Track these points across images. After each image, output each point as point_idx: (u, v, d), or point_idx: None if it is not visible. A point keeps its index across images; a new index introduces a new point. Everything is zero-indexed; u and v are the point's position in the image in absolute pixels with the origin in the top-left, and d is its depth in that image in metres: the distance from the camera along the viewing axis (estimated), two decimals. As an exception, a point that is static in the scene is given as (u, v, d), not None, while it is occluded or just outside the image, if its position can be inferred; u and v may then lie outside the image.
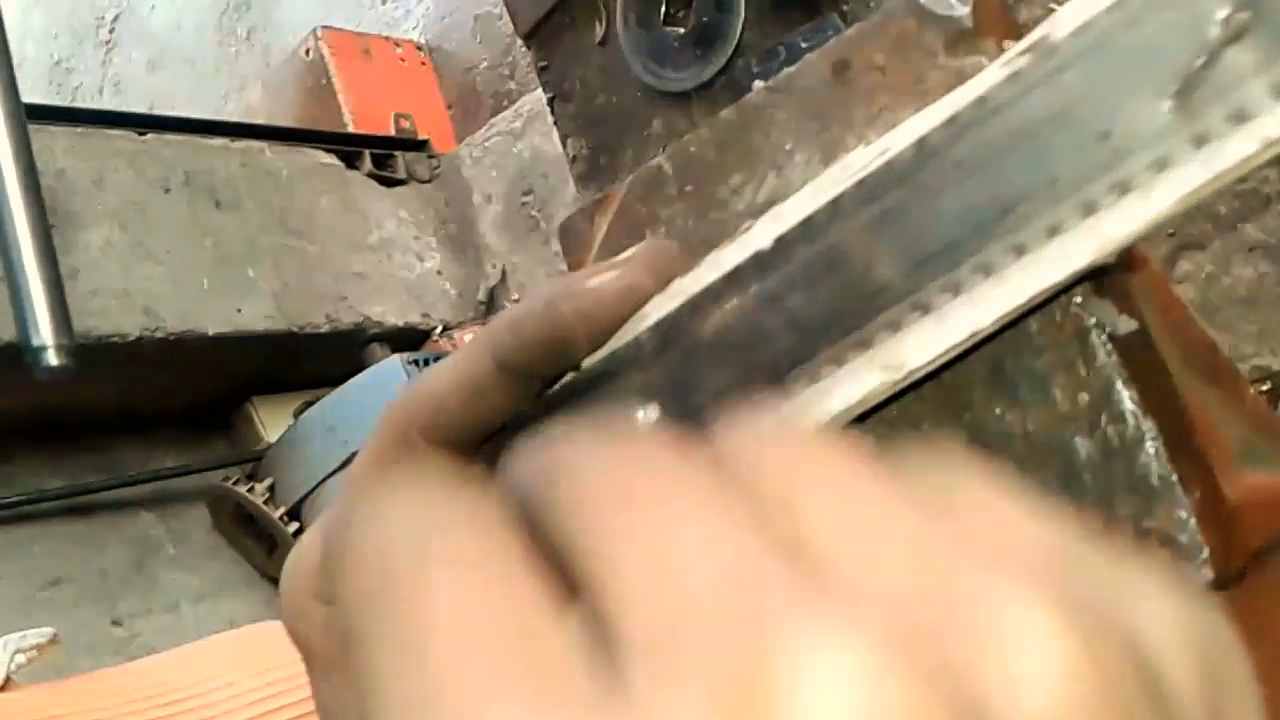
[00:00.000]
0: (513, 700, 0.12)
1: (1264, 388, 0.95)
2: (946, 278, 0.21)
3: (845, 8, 0.58)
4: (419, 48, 2.33)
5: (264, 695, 0.89)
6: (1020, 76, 0.20)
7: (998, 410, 0.24)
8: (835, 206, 0.22)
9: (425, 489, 0.15)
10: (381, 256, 1.92)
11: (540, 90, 0.65)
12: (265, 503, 1.65)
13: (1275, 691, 0.16)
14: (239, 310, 1.66)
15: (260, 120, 2.21)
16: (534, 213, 1.93)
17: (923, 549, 0.14)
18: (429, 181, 2.09)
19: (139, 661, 1.02)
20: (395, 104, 2.19)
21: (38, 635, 0.86)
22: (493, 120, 2.02)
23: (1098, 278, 0.23)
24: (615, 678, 0.13)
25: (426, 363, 1.66)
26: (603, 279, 0.24)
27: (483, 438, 0.26)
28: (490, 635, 0.13)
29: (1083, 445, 0.23)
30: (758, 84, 0.52)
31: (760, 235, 0.23)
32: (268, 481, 1.68)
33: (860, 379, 0.22)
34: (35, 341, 0.84)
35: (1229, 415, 0.26)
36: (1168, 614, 0.14)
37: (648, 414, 0.24)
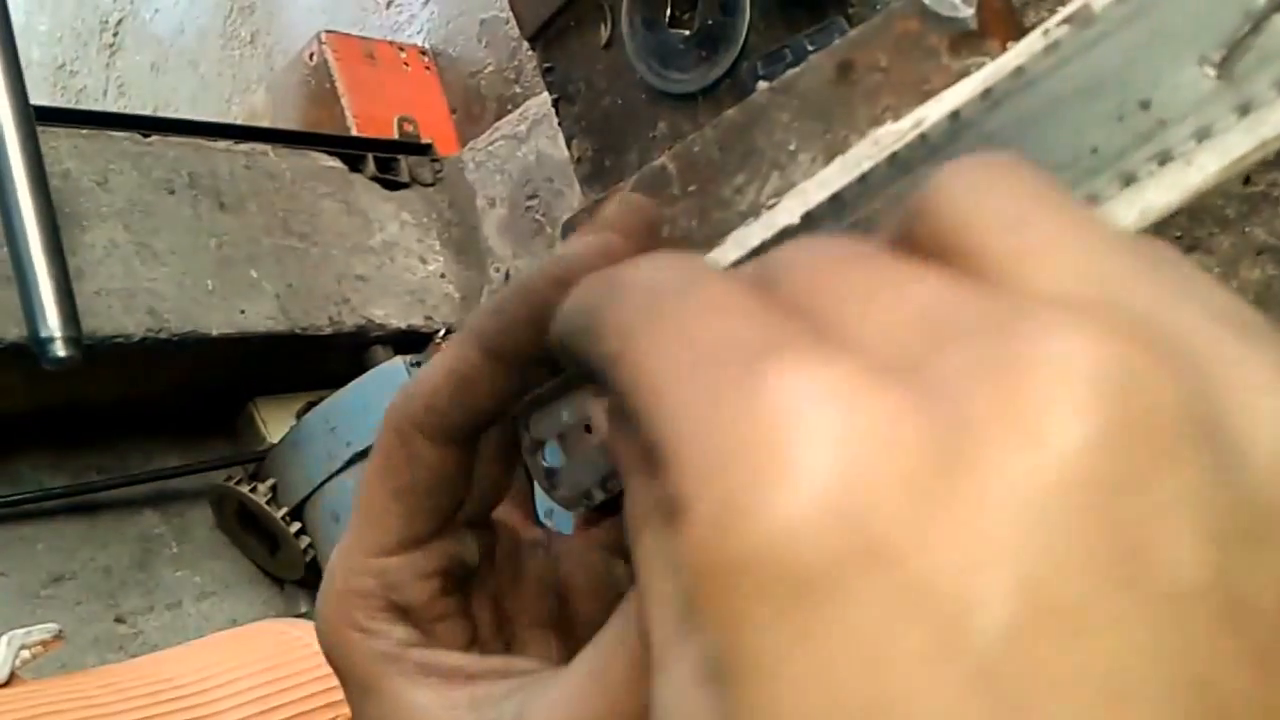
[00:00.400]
0: (798, 347, 0.14)
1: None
2: None
3: (851, 11, 0.58)
4: (423, 52, 2.33)
5: (265, 692, 0.89)
6: (1059, 46, 0.20)
7: None
8: (865, 181, 0.22)
9: (670, 259, 0.17)
10: (384, 259, 1.92)
11: (544, 95, 0.65)
12: (267, 503, 1.65)
13: None
14: (242, 311, 1.67)
15: (264, 123, 2.21)
16: (538, 217, 1.94)
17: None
18: (432, 185, 2.10)
19: (142, 658, 1.02)
20: (399, 108, 2.19)
21: (42, 631, 0.87)
22: (497, 124, 2.02)
23: None
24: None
25: (429, 365, 1.66)
26: (572, 245, 0.24)
27: (482, 428, 0.26)
28: (757, 313, 0.15)
29: None
30: (762, 84, 0.52)
31: (787, 211, 0.23)
32: (270, 481, 1.68)
33: None
34: (43, 333, 0.85)
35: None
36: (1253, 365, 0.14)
37: None
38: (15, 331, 1.40)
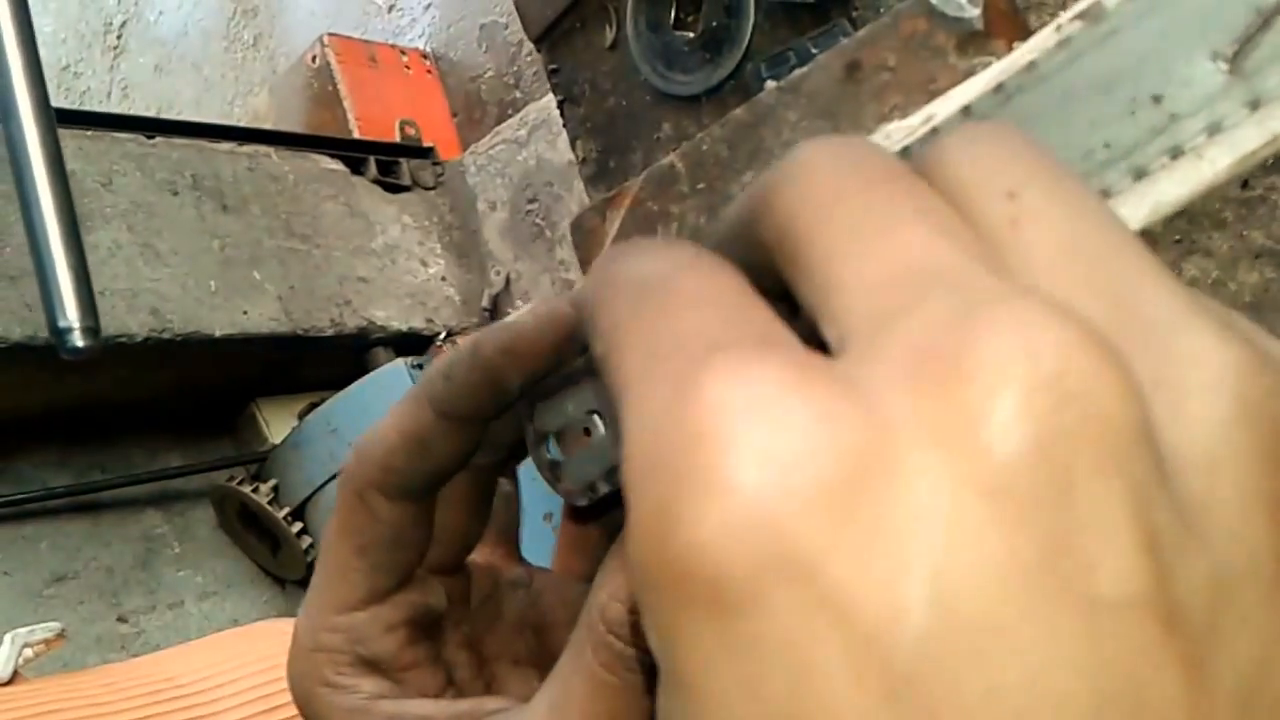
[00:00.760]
0: (743, 346, 0.14)
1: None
2: None
3: (855, 14, 0.59)
4: (424, 56, 2.34)
5: (267, 692, 0.89)
6: (1071, 42, 0.20)
7: None
8: None
9: (656, 245, 0.17)
10: (386, 261, 1.93)
11: (545, 99, 0.66)
12: (269, 503, 1.65)
13: None
14: (245, 312, 1.67)
15: (267, 126, 2.22)
16: (538, 220, 1.94)
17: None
18: (433, 188, 2.10)
19: (143, 657, 1.02)
20: (400, 111, 2.20)
21: (45, 630, 0.87)
22: (498, 128, 2.03)
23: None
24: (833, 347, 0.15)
25: (431, 367, 1.66)
26: (521, 313, 0.24)
27: (440, 483, 0.26)
28: (726, 306, 0.15)
29: None
30: (770, 84, 0.53)
31: None
32: (271, 482, 1.69)
33: None
34: (61, 323, 0.85)
35: None
36: None
37: None
38: (18, 331, 1.40)
